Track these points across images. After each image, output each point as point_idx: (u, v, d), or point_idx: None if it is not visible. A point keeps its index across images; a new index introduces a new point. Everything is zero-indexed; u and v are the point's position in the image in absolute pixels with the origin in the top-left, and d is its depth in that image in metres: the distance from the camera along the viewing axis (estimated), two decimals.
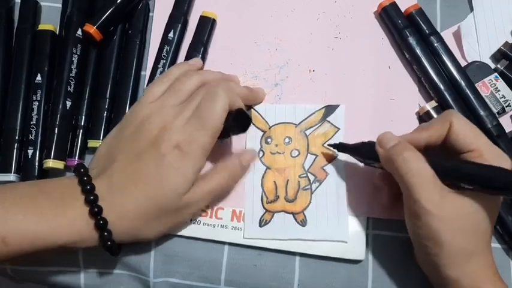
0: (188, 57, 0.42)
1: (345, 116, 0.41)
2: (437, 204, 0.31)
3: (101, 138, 0.40)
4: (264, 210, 0.39)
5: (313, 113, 0.42)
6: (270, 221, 0.39)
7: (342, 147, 0.39)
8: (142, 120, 0.36)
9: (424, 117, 0.41)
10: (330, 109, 0.42)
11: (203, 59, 0.42)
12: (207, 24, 0.43)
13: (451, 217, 0.31)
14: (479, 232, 0.32)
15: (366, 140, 0.37)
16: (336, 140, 0.41)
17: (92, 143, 0.40)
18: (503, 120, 0.42)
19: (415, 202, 0.31)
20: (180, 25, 0.43)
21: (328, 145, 0.40)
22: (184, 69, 0.39)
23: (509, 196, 0.32)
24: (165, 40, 0.42)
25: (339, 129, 0.41)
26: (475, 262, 0.32)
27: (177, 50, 0.43)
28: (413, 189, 0.31)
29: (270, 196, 0.40)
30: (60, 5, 0.44)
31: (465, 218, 0.31)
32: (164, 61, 0.42)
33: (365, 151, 0.37)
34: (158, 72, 0.42)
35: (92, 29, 0.40)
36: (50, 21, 0.44)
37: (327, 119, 0.41)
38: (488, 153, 0.32)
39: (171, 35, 0.42)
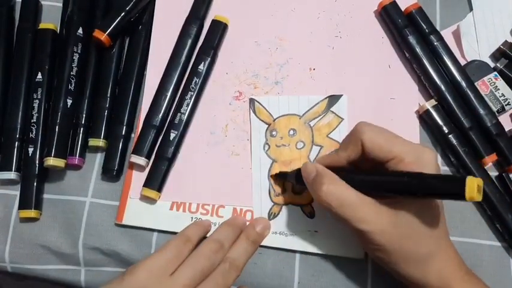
0: (197, 60, 0.42)
1: (347, 109, 0.42)
2: (372, 222, 0.31)
3: (102, 136, 0.40)
4: (272, 203, 0.40)
5: (317, 103, 0.42)
6: (278, 214, 0.39)
7: (282, 176, 0.39)
8: None
9: (423, 116, 0.41)
10: (333, 99, 0.42)
11: (212, 63, 0.42)
12: (218, 29, 0.43)
13: (390, 227, 0.31)
14: (427, 234, 0.32)
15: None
16: (340, 130, 0.41)
17: (92, 142, 0.40)
18: (503, 119, 0.42)
19: (352, 227, 0.32)
20: (196, 28, 0.43)
21: (271, 176, 0.40)
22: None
23: (434, 198, 0.32)
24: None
25: (342, 119, 0.41)
26: (437, 262, 0.32)
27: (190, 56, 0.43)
28: (344, 219, 0.31)
29: (277, 189, 0.40)
30: (61, 4, 0.45)
31: (404, 225, 0.31)
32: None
33: (301, 177, 0.36)
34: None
35: (102, 36, 0.40)
36: (50, 20, 0.44)
37: (331, 109, 0.42)
38: (408, 157, 0.31)
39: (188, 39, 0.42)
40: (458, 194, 0.26)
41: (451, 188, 0.27)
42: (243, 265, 0.36)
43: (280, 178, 0.40)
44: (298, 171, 0.36)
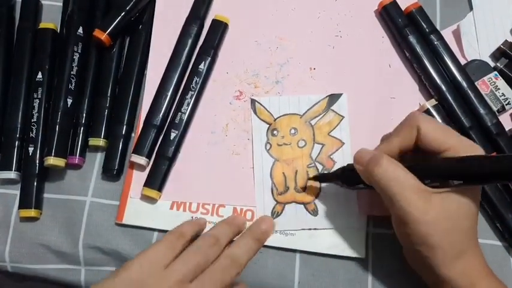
0: (198, 60, 0.42)
1: (348, 107, 0.42)
2: (422, 209, 0.31)
3: (102, 136, 0.40)
4: (275, 202, 0.40)
5: (317, 102, 0.42)
6: (281, 213, 0.39)
7: (323, 177, 0.39)
8: None
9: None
10: (333, 98, 0.42)
11: (213, 62, 0.42)
12: (218, 28, 0.43)
13: (438, 219, 0.31)
14: (465, 229, 0.32)
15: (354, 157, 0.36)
16: (341, 128, 0.41)
17: (92, 141, 0.40)
18: (503, 119, 0.42)
19: (400, 211, 0.31)
20: (196, 28, 0.43)
21: (309, 179, 0.40)
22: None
23: (493, 183, 0.32)
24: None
25: (343, 117, 0.41)
26: (466, 260, 0.32)
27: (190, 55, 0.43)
28: (396, 199, 0.31)
29: (279, 188, 0.40)
30: (61, 4, 0.45)
31: (451, 218, 0.31)
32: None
33: (347, 176, 0.36)
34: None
35: (103, 35, 0.40)
36: (51, 19, 0.44)
37: (331, 107, 0.42)
38: (463, 149, 0.31)
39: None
40: None
41: None
42: (245, 262, 0.36)
43: (321, 180, 0.39)
44: (343, 168, 0.36)
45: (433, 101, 0.41)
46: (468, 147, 0.31)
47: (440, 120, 0.40)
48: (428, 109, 0.41)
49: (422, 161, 0.32)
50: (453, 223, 0.31)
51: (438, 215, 0.31)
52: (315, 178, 0.40)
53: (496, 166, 0.28)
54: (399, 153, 0.34)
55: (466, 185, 0.31)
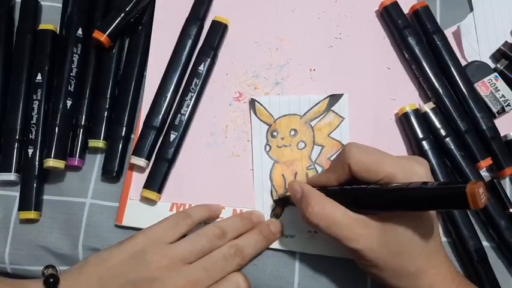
0: (197, 61, 0.42)
1: (349, 106, 0.42)
2: (362, 240, 0.31)
3: (101, 138, 0.40)
4: (275, 204, 0.40)
5: (318, 103, 0.42)
6: (281, 215, 0.40)
7: (285, 200, 0.39)
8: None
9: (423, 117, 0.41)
10: (334, 98, 0.42)
11: (212, 64, 0.42)
12: (218, 29, 0.43)
13: (381, 244, 0.31)
14: (418, 250, 0.31)
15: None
16: (341, 129, 0.41)
17: (92, 143, 0.40)
18: (503, 120, 0.42)
19: (343, 244, 0.32)
20: (196, 29, 0.42)
21: (274, 200, 0.40)
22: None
23: (430, 210, 0.31)
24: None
25: (343, 118, 0.41)
26: (428, 277, 0.31)
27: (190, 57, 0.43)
28: (334, 238, 0.32)
29: (279, 190, 0.40)
30: (61, 5, 0.44)
31: (395, 241, 0.31)
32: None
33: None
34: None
35: (102, 36, 0.40)
36: (50, 20, 0.44)
37: (331, 108, 0.42)
38: (399, 175, 0.31)
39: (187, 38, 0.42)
40: (461, 203, 0.25)
41: (451, 198, 0.26)
42: (249, 256, 0.36)
43: (281, 202, 0.40)
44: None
45: (431, 104, 0.41)
46: (402, 170, 0.31)
47: (438, 124, 0.40)
48: (426, 112, 0.41)
49: (358, 191, 0.32)
50: (399, 245, 0.31)
51: (379, 240, 0.31)
52: (278, 200, 0.40)
53: (418, 196, 0.28)
54: (338, 185, 0.34)
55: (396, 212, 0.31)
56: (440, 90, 0.41)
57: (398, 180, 0.30)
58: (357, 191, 0.32)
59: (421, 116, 0.40)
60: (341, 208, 0.32)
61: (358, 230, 0.31)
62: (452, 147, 0.39)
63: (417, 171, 0.31)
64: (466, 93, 0.41)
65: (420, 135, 0.39)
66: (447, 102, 0.41)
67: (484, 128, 0.40)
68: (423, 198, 0.28)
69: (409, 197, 0.28)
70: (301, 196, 0.34)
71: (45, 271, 0.35)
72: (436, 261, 0.32)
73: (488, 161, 0.40)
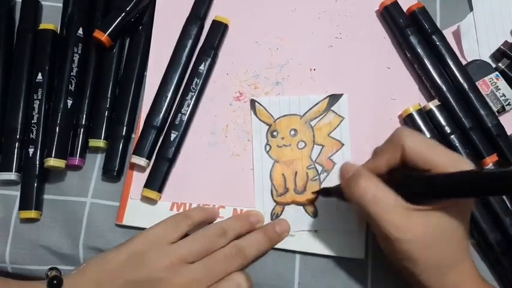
0: (198, 61, 0.42)
1: (348, 105, 0.42)
2: (402, 228, 0.30)
3: (102, 137, 0.40)
4: (275, 204, 0.40)
5: (317, 103, 0.42)
6: (281, 214, 0.40)
7: (326, 192, 0.39)
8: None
9: (426, 115, 0.41)
10: (333, 98, 0.42)
11: (213, 63, 0.42)
12: (219, 29, 0.43)
13: (420, 236, 0.30)
14: (452, 243, 0.31)
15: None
16: (341, 129, 0.41)
17: (92, 142, 0.40)
18: (503, 119, 0.42)
19: (381, 229, 0.31)
20: (196, 29, 0.43)
21: (312, 192, 0.40)
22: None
23: (484, 196, 0.31)
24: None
25: (343, 118, 0.41)
26: (456, 273, 0.31)
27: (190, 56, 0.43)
28: (375, 218, 0.31)
29: (279, 189, 0.40)
30: (61, 5, 0.44)
31: (434, 234, 0.31)
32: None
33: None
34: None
35: (103, 36, 0.40)
36: (51, 20, 0.44)
37: (331, 108, 0.42)
38: (449, 167, 0.30)
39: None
40: None
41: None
42: (251, 256, 0.36)
43: (324, 194, 0.39)
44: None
45: (436, 102, 0.41)
46: (453, 163, 0.30)
47: (443, 121, 0.40)
48: (431, 109, 0.41)
49: (407, 178, 0.32)
50: (437, 239, 0.31)
51: (419, 232, 0.30)
52: (318, 192, 0.39)
53: (479, 181, 0.28)
54: (387, 170, 0.33)
55: (448, 199, 0.30)
56: (444, 88, 0.41)
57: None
58: (409, 177, 0.31)
59: (426, 116, 0.40)
60: (391, 191, 0.31)
61: (403, 218, 0.30)
62: (457, 144, 0.40)
63: (464, 168, 0.30)
64: (469, 91, 0.41)
65: (428, 135, 0.40)
66: (451, 100, 0.41)
67: (490, 125, 0.40)
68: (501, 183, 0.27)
69: (469, 181, 0.28)
70: (353, 174, 0.32)
71: (48, 273, 0.35)
72: (465, 256, 0.32)
73: (494, 158, 0.40)
